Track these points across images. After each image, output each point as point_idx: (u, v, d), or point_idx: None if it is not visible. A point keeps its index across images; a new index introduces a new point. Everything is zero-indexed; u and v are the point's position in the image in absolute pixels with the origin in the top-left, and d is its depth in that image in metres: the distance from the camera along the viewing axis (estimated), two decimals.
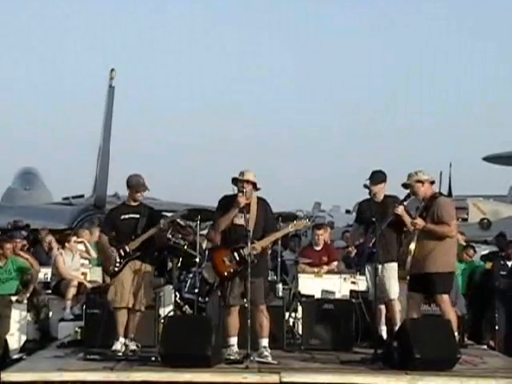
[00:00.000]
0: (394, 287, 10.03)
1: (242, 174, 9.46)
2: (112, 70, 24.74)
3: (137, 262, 9.71)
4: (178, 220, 11.91)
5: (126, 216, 9.82)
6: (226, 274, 9.40)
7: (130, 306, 9.63)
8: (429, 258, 9.27)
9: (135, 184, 9.85)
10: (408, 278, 9.69)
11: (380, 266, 10.01)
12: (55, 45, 57.30)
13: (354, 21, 62.52)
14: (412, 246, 9.46)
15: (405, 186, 9.66)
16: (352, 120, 61.21)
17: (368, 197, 10.21)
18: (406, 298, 9.70)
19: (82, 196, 27.89)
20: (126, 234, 9.77)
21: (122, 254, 9.67)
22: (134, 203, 9.90)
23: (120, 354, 9.43)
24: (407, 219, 9.64)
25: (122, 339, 9.58)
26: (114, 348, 9.53)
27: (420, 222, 9.31)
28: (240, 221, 9.40)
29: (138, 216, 9.80)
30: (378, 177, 10.14)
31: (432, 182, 9.57)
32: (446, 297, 9.41)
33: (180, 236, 13.58)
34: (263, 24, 62.87)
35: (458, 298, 11.91)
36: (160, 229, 9.78)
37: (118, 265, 9.68)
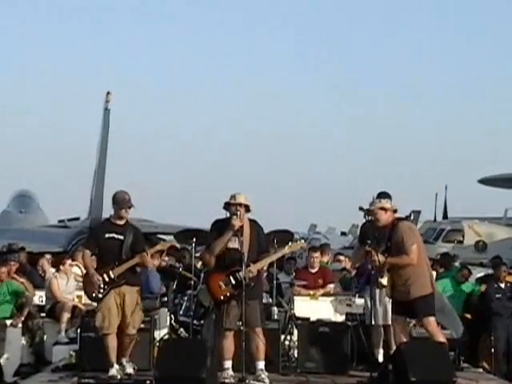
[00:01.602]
0: (390, 312, 10.00)
1: (233, 197, 9.47)
2: (108, 93, 24.81)
3: (121, 286, 9.60)
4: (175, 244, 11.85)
5: (110, 235, 9.63)
6: (222, 298, 9.39)
7: (116, 330, 9.52)
8: (405, 286, 9.30)
9: (120, 200, 9.69)
10: (390, 302, 9.70)
11: (378, 291, 10.03)
12: (51, 66, 57.47)
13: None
14: (384, 281, 9.52)
15: (367, 211, 9.69)
16: (347, 143, 61.33)
17: (371, 218, 10.24)
18: (391, 321, 9.70)
19: (77, 219, 27.84)
20: (109, 256, 9.60)
21: (106, 279, 9.53)
22: (119, 222, 9.71)
23: (118, 378, 9.38)
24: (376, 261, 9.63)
25: (116, 365, 9.52)
26: (110, 374, 9.46)
27: (381, 259, 9.35)
28: (234, 244, 9.40)
29: (122, 238, 9.62)
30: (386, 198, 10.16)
31: (395, 211, 9.59)
32: (431, 319, 9.40)
33: (175, 259, 13.59)
34: (266, 45, 63.12)
35: (453, 320, 11.90)
36: (142, 259, 9.64)
37: (101, 291, 9.53)
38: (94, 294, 9.62)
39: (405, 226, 9.52)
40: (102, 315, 9.54)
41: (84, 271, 13.73)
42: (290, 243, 9.92)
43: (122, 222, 9.73)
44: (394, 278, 9.41)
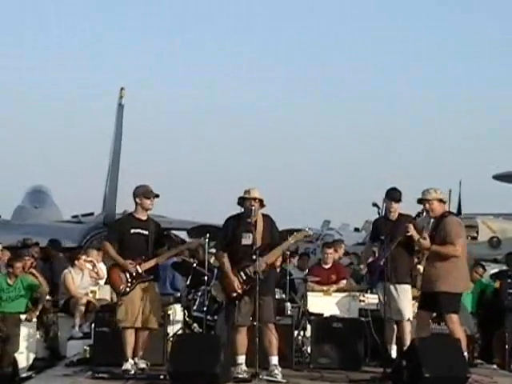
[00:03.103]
0: (405, 309, 10.01)
1: (248, 192, 9.46)
2: (122, 88, 24.86)
3: (147, 281, 9.67)
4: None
5: (136, 231, 9.65)
6: (234, 294, 9.40)
7: (140, 325, 9.60)
8: (439, 277, 9.28)
9: (145, 191, 9.69)
10: (418, 296, 9.70)
11: (391, 286, 10.02)
12: (66, 63, 57.66)
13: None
14: (420, 266, 9.47)
15: (421, 201, 9.63)
16: (361, 138, 61.24)
17: (383, 214, 10.25)
18: (415, 316, 9.69)
19: (91, 214, 27.95)
20: (135, 251, 9.63)
21: (134, 274, 9.57)
22: (142, 217, 9.71)
23: (131, 372, 9.42)
24: (417, 238, 9.65)
25: (131, 360, 9.56)
26: (124, 368, 9.50)
27: (426, 242, 9.32)
28: (247, 241, 9.39)
29: (147, 233, 9.66)
30: (396, 195, 10.17)
31: (445, 202, 9.61)
32: (455, 316, 9.39)
33: (189, 254, 13.60)
34: (276, 45, 63.13)
35: (466, 317, 11.87)
36: (176, 254, 9.85)
37: (129, 285, 9.57)
38: (121, 288, 9.61)
39: (456, 220, 9.64)
40: (124, 308, 9.57)
41: (99, 268, 13.93)
42: (294, 233, 9.89)
43: (145, 217, 9.75)
44: (428, 269, 9.37)
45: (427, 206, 9.50)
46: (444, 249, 9.27)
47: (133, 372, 9.45)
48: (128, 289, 9.58)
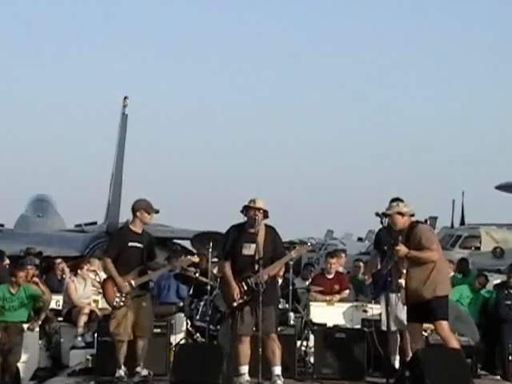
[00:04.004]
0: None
1: (253, 201, 9.42)
2: (125, 97, 24.93)
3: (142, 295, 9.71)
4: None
5: (133, 244, 9.67)
6: (234, 304, 9.39)
7: (131, 338, 9.60)
8: (422, 286, 9.28)
9: (147, 206, 9.73)
10: (406, 308, 9.69)
11: (394, 296, 10.01)
12: (69, 71, 57.80)
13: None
14: (402, 281, 9.50)
15: (384, 215, 9.69)
16: (364, 149, 61.21)
17: (386, 225, 10.24)
18: (407, 328, 9.68)
19: (94, 223, 27.97)
20: (130, 264, 9.63)
21: (129, 288, 9.57)
22: (138, 230, 9.74)
23: (124, 380, 9.45)
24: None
25: (123, 367, 9.58)
26: (117, 375, 9.53)
27: (403, 248, 9.34)
28: (249, 251, 9.37)
29: (142, 246, 9.69)
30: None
31: (412, 215, 9.61)
32: (444, 323, 9.34)
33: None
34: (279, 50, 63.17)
35: (470, 326, 11.84)
36: (171, 270, 9.89)
37: (123, 299, 9.56)
38: (115, 302, 9.61)
39: (424, 227, 9.64)
40: (117, 322, 9.59)
41: (102, 278, 13.91)
42: (296, 247, 9.93)
43: (140, 230, 9.79)
44: (410, 279, 9.38)
45: (389, 220, 9.58)
46: (422, 253, 9.31)
47: (125, 379, 9.49)
48: (122, 303, 9.57)
